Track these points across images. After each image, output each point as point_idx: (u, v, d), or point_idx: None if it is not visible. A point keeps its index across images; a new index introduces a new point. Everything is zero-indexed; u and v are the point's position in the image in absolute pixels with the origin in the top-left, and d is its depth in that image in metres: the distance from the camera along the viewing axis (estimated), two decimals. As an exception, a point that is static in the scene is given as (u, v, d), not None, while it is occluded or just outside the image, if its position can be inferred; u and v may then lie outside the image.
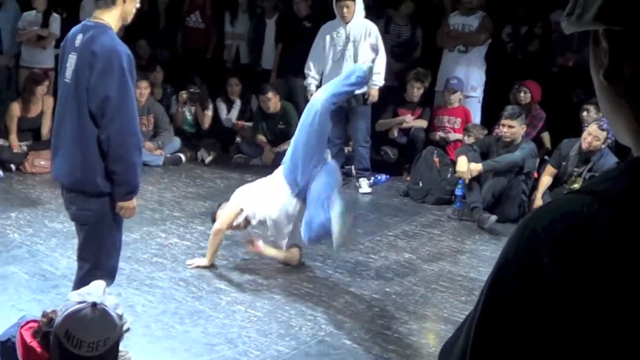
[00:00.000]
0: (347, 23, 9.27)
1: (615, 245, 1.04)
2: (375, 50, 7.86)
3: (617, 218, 1.05)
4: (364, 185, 9.71)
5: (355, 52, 9.21)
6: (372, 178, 10.10)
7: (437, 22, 10.97)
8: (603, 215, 1.07)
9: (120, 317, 3.60)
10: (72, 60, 4.63)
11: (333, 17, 9.46)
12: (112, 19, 4.65)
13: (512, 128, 8.59)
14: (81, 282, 4.84)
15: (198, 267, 6.81)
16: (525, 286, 1.09)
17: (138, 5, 4.81)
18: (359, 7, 9.25)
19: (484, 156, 8.86)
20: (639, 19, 1.09)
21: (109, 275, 4.92)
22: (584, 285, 1.05)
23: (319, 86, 9.47)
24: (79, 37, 4.63)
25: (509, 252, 1.14)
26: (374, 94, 9.38)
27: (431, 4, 11.86)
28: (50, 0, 11.13)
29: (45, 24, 10.86)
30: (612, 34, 1.14)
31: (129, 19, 4.82)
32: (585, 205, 1.09)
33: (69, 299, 3.57)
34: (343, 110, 9.48)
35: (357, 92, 9.23)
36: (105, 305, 3.50)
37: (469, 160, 8.59)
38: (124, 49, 4.55)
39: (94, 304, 3.47)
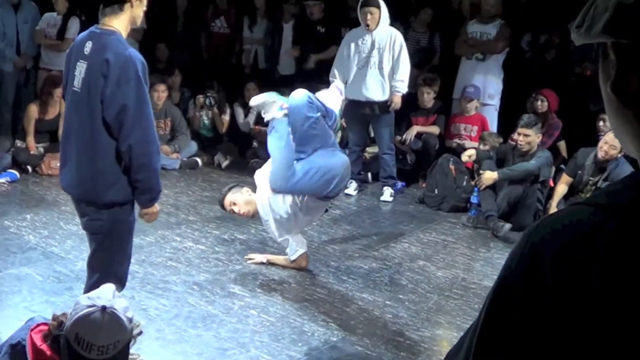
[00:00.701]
0: (371, 31, 9.24)
1: (617, 256, 1.06)
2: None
3: (620, 229, 1.07)
4: (387, 193, 9.69)
5: (380, 60, 9.21)
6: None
7: (457, 29, 10.96)
8: (607, 226, 1.09)
9: (130, 320, 3.62)
10: (81, 68, 4.57)
11: (346, 21, 9.44)
12: (120, 24, 4.60)
13: (528, 137, 8.56)
14: (91, 290, 4.85)
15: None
16: (527, 294, 1.12)
17: (145, 7, 4.75)
18: (384, 15, 9.21)
19: (500, 164, 8.84)
20: None
21: (119, 282, 4.89)
22: (585, 295, 1.07)
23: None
24: (88, 44, 4.57)
25: (513, 261, 1.18)
26: (397, 101, 9.34)
27: (451, 11, 11.83)
28: (71, 3, 11.16)
29: (64, 26, 10.88)
30: (619, 47, 1.15)
31: (138, 22, 4.78)
32: (589, 216, 1.12)
33: (79, 303, 3.58)
34: (364, 117, 9.48)
35: (378, 99, 9.25)
36: (115, 309, 3.51)
37: (486, 169, 8.57)
38: (137, 56, 4.50)
39: (104, 308, 3.48)
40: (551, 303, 1.09)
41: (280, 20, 12.05)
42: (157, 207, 4.86)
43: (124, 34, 4.62)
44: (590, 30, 1.18)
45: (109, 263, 4.86)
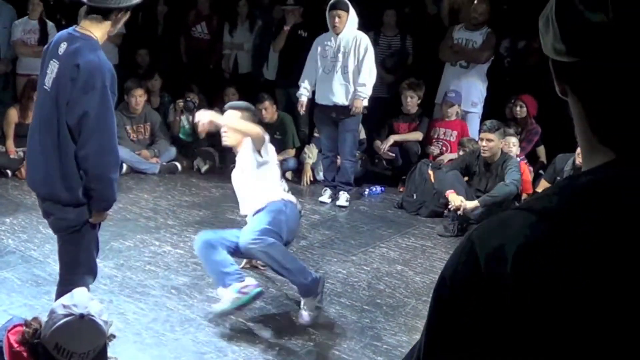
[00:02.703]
0: (338, 34, 9.26)
1: (549, 255, 1.14)
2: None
3: (551, 232, 1.16)
4: (342, 199, 9.65)
5: (345, 63, 9.21)
6: (367, 190, 10.14)
7: (434, 33, 11.01)
8: (539, 229, 1.18)
9: (106, 322, 3.64)
10: (53, 67, 4.62)
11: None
12: (99, 32, 4.64)
13: (491, 142, 8.55)
14: (62, 283, 4.91)
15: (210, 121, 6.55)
16: (466, 290, 1.21)
17: (126, 17, 4.80)
18: (352, 19, 9.21)
19: (464, 173, 8.87)
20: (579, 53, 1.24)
21: (91, 272, 5.00)
22: (507, 289, 1.16)
23: (310, 97, 9.52)
24: (63, 45, 4.61)
25: (453, 259, 1.27)
26: (358, 105, 9.31)
27: (425, 14, 11.88)
28: (47, 7, 11.14)
29: (44, 32, 10.85)
30: (554, 62, 1.32)
31: (115, 31, 4.85)
32: (522, 220, 1.21)
33: (55, 311, 3.59)
34: (333, 122, 9.49)
35: (343, 104, 9.28)
36: (92, 315, 3.53)
37: (461, 196, 8.53)
38: (107, 66, 4.54)
39: (82, 316, 3.49)
40: (484, 295, 1.17)
41: (271, 24, 12.03)
42: (108, 213, 4.89)
43: (101, 42, 4.66)
44: (543, 45, 1.33)
45: (77, 255, 4.91)
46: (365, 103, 9.40)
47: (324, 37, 9.49)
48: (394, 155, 10.49)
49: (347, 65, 9.21)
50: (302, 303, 6.08)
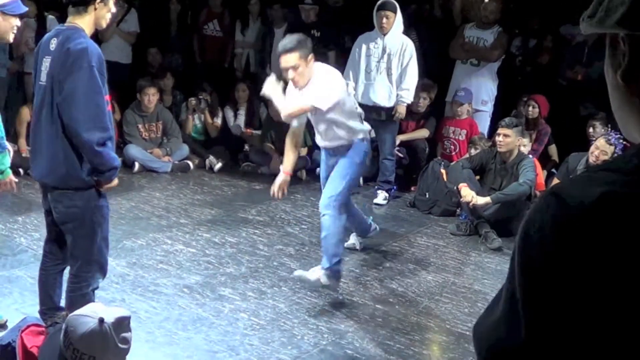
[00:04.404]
0: (384, 34, 9.23)
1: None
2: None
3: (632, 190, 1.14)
4: (381, 197, 9.70)
5: (388, 66, 9.19)
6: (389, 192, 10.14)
7: (442, 31, 11.01)
8: (626, 183, 1.15)
9: (125, 352, 3.61)
10: (46, 63, 4.77)
11: (340, 25, 9.42)
12: (85, 24, 4.79)
13: (508, 137, 8.48)
14: (74, 279, 4.95)
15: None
16: (562, 236, 1.15)
17: (114, 10, 4.94)
18: (398, 21, 9.18)
19: (479, 171, 8.84)
20: None
21: (101, 270, 5.06)
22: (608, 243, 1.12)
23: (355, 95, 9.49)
24: (54, 41, 4.77)
25: (537, 213, 1.21)
26: (401, 111, 9.34)
27: (433, 14, 11.88)
28: (41, 3, 11.14)
29: (43, 27, 10.84)
30: (633, 38, 1.21)
31: (103, 24, 4.94)
32: (609, 177, 1.17)
33: (92, 305, 3.60)
34: (369, 122, 9.47)
35: (384, 105, 9.26)
36: (112, 328, 3.50)
37: (473, 190, 8.50)
38: (95, 49, 4.70)
39: (102, 320, 3.48)
40: (583, 240, 1.13)
41: (272, 25, 12.04)
42: (116, 180, 4.95)
43: (88, 32, 4.82)
44: (604, 21, 1.23)
45: (90, 251, 4.96)
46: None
47: (368, 36, 9.44)
48: (402, 156, 10.47)
49: (391, 68, 9.19)
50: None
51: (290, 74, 6.36)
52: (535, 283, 1.18)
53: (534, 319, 1.18)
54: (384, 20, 9.13)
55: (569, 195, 1.17)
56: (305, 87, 6.40)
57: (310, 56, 6.38)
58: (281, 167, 6.85)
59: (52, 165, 4.79)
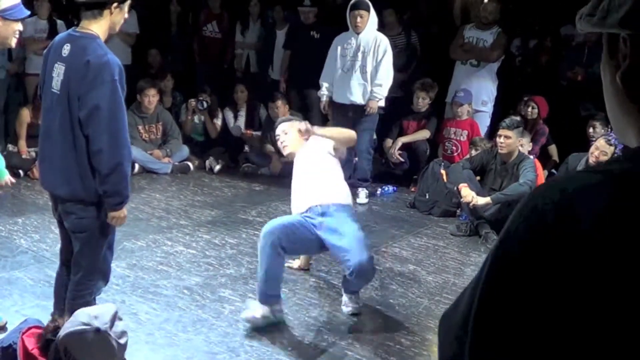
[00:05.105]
0: (358, 34, 9.31)
1: (613, 216, 1.09)
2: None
3: (616, 191, 1.11)
4: (362, 195, 9.72)
5: (363, 63, 9.28)
6: (379, 189, 10.13)
7: (442, 31, 11.02)
8: (605, 186, 1.12)
9: (123, 347, 3.63)
10: (59, 70, 4.65)
11: (340, 25, 9.49)
12: (99, 29, 4.67)
13: (509, 139, 8.49)
14: (76, 287, 4.93)
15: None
16: (531, 241, 1.15)
17: (126, 15, 4.83)
18: (372, 19, 9.28)
19: (480, 172, 8.84)
20: None
21: (104, 278, 5.05)
22: (585, 250, 1.09)
23: (331, 97, 9.55)
24: (66, 47, 4.64)
25: (516, 214, 1.21)
26: (372, 106, 9.41)
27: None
28: (54, 6, 11.16)
29: (53, 30, 10.86)
30: (635, 39, 1.19)
31: (117, 29, 4.85)
32: (591, 179, 1.15)
33: (77, 316, 3.60)
34: (349, 121, 9.49)
35: (360, 103, 9.32)
36: (110, 333, 3.52)
37: (473, 190, 8.50)
38: (115, 61, 4.56)
39: (98, 330, 3.49)
40: (553, 247, 1.11)
41: (274, 26, 12.06)
42: (125, 211, 4.84)
43: (103, 39, 4.69)
44: (605, 20, 1.21)
45: (94, 260, 4.92)
46: (381, 104, 9.45)
47: (343, 36, 9.56)
48: (403, 160, 10.47)
49: (366, 65, 9.30)
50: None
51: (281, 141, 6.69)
52: (500, 278, 1.17)
53: (486, 309, 1.18)
54: (358, 19, 9.29)
55: (545, 201, 1.16)
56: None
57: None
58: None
59: (66, 178, 4.71)
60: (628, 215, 1.08)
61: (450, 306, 1.32)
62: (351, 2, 9.26)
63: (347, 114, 9.48)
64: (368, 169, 9.86)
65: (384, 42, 9.37)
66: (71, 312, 4.60)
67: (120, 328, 3.64)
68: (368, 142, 9.75)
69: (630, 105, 1.23)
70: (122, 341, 3.62)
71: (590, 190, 1.12)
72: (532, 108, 10.00)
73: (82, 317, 3.57)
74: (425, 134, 10.52)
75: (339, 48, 9.52)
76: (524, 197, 1.22)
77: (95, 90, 4.48)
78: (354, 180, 9.74)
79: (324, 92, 9.63)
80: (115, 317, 3.67)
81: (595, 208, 1.10)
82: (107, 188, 4.64)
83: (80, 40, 4.63)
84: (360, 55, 9.34)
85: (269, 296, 5.87)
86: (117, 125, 4.55)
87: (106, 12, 4.64)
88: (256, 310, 5.84)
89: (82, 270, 4.92)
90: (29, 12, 5.22)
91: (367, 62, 9.28)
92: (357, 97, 9.42)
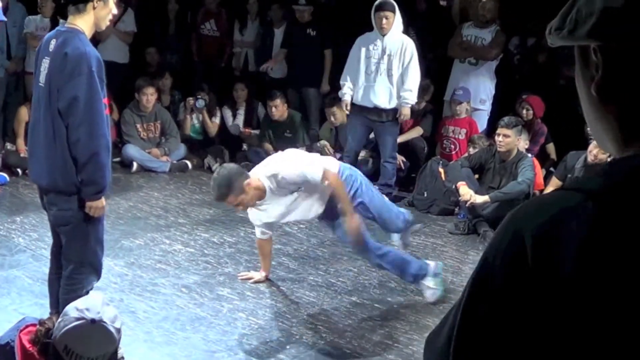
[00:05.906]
0: (384, 35, 9.14)
1: (594, 237, 1.09)
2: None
3: (598, 213, 1.11)
4: None
5: (389, 67, 9.12)
6: (378, 188, 10.11)
7: (441, 29, 11.01)
8: (585, 209, 1.12)
9: (119, 330, 3.63)
10: (45, 64, 4.74)
11: (337, 24, 9.40)
12: (84, 24, 4.75)
13: (508, 137, 8.48)
14: (67, 282, 4.93)
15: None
16: (509, 275, 1.15)
17: (115, 11, 4.91)
18: (398, 21, 9.09)
19: (478, 170, 8.84)
20: (633, 36, 1.14)
21: (95, 272, 5.04)
22: (564, 275, 1.10)
23: (353, 97, 9.42)
24: (53, 42, 4.75)
25: (495, 242, 1.20)
26: (406, 113, 9.27)
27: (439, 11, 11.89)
28: (57, 5, 11.15)
29: (54, 29, 10.85)
30: (605, 50, 1.19)
31: (103, 25, 4.90)
32: (570, 200, 1.15)
33: (67, 313, 3.59)
34: (368, 124, 9.41)
35: (384, 107, 9.22)
36: (104, 321, 3.52)
37: (471, 189, 8.50)
38: (93, 53, 4.67)
39: (93, 321, 3.49)
40: (532, 284, 1.12)
41: (272, 25, 12.05)
42: (103, 201, 4.86)
43: (88, 34, 4.79)
44: (574, 32, 1.21)
45: (83, 253, 4.94)
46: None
47: (367, 37, 9.32)
48: (402, 168, 10.44)
49: (392, 69, 9.08)
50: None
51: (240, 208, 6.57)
52: (478, 304, 1.19)
53: (463, 338, 1.20)
54: (384, 21, 9.02)
55: (527, 226, 1.16)
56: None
57: (246, 181, 6.15)
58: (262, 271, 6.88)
59: (49, 168, 4.77)
60: (609, 250, 1.09)
61: (436, 327, 1.33)
62: (376, 3, 9.02)
63: (369, 116, 9.35)
64: (392, 173, 9.71)
65: (410, 45, 9.17)
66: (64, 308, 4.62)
67: (112, 313, 3.65)
68: (392, 147, 9.60)
69: (605, 115, 1.24)
70: (117, 325, 3.62)
71: (570, 216, 1.13)
72: (527, 110, 9.96)
73: (73, 313, 3.56)
74: (418, 131, 10.45)
75: (363, 49, 9.28)
76: (504, 218, 1.23)
77: (72, 82, 4.57)
78: (378, 186, 9.73)
79: (345, 91, 9.45)
80: (103, 304, 3.67)
81: (576, 239, 1.10)
82: (84, 177, 4.70)
83: (64, 35, 4.74)
84: (386, 58, 9.14)
85: (417, 274, 6.49)
86: (94, 115, 4.62)
87: (89, 6, 4.73)
88: (427, 288, 6.50)
89: (71, 264, 4.95)
90: (5, 19, 5.27)
91: (392, 65, 9.09)
92: (381, 101, 9.23)
